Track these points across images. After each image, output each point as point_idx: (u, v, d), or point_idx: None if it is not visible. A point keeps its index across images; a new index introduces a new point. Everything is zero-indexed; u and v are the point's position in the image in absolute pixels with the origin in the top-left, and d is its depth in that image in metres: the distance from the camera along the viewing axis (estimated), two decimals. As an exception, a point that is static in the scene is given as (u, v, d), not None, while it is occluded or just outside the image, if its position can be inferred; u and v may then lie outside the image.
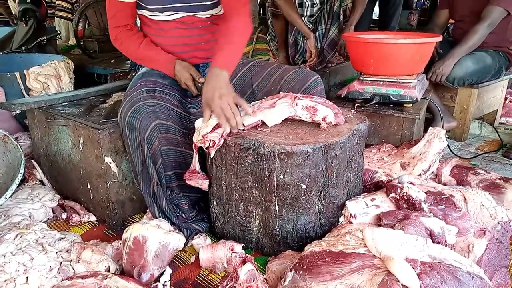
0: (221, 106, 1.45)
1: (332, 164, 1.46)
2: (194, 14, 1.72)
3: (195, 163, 1.56)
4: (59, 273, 1.42)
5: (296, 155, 1.38)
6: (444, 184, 1.83)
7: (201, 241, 1.62)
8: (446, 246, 1.34)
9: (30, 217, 1.80)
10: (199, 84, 1.72)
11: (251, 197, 1.51)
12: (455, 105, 2.73)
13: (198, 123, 1.54)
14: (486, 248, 1.36)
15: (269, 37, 3.36)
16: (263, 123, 1.54)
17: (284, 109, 1.54)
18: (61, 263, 1.47)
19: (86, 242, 1.63)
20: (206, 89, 1.50)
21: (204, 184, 1.58)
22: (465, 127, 2.74)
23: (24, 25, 3.63)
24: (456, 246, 1.40)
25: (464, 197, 1.53)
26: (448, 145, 2.08)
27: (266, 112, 1.53)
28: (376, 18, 4.66)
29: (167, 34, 1.74)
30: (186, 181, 1.59)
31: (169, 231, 1.54)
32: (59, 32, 4.70)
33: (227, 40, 1.60)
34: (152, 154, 1.57)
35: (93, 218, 1.87)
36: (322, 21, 2.98)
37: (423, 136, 1.92)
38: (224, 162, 1.50)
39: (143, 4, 1.69)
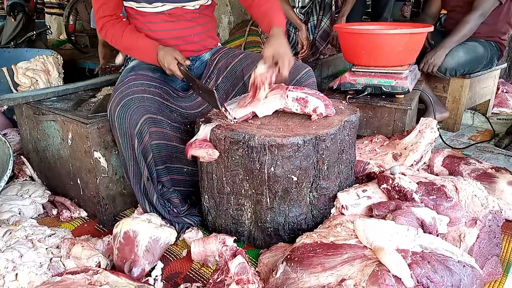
0: (288, 58, 1.49)
1: (323, 156, 1.45)
2: (182, 6, 1.69)
3: (207, 133, 1.49)
4: (49, 269, 1.40)
5: (287, 147, 1.37)
6: (436, 175, 1.83)
7: (193, 235, 1.61)
8: (437, 236, 1.34)
9: (20, 213, 1.78)
10: (185, 69, 1.65)
11: (242, 190, 1.50)
12: (447, 96, 2.73)
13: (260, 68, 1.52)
14: (477, 238, 1.36)
15: (260, 29, 3.33)
16: (254, 115, 1.53)
17: (275, 101, 1.53)
18: (51, 259, 1.45)
19: (77, 237, 1.62)
20: (274, 44, 1.53)
21: (214, 154, 1.48)
22: (458, 118, 2.75)
23: (13, 20, 3.58)
24: (447, 236, 1.40)
25: (456, 187, 1.53)
26: (440, 135, 2.08)
27: (257, 104, 1.52)
28: (369, 10, 4.64)
29: (156, 27, 1.71)
30: (191, 151, 1.49)
31: (160, 226, 1.53)
32: (49, 27, 4.64)
33: (273, 5, 1.69)
34: (142, 148, 1.55)
35: (84, 214, 1.86)
36: (314, 12, 2.96)
37: (415, 127, 1.91)
38: (214, 155, 1.48)
39: None
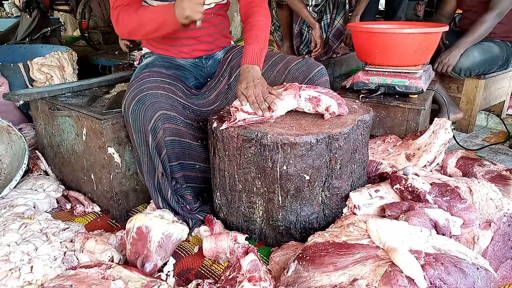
0: (255, 94, 1.45)
1: (336, 155, 1.45)
2: None
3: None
4: (63, 263, 1.42)
5: (300, 145, 1.37)
6: (450, 176, 1.81)
7: (207, 228, 1.61)
8: (451, 237, 1.33)
9: (34, 207, 1.81)
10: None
11: (254, 188, 1.50)
12: (461, 96, 2.70)
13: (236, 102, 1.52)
14: (491, 240, 1.35)
15: (273, 27, 3.33)
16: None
17: (289, 101, 1.52)
18: (65, 253, 1.47)
19: (90, 232, 1.64)
20: (240, 81, 1.51)
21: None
22: (472, 119, 2.71)
23: (28, 16, 3.63)
24: (461, 237, 1.38)
25: (470, 189, 1.51)
26: (454, 136, 2.05)
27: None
28: (382, 9, 4.60)
29: None
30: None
31: (172, 222, 1.54)
32: (63, 23, 4.69)
33: (252, 36, 1.61)
34: (156, 144, 1.56)
35: (97, 209, 1.88)
36: (327, 10, 2.94)
37: (428, 127, 1.89)
38: (227, 153, 1.49)
39: None
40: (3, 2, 7.05)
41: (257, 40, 1.60)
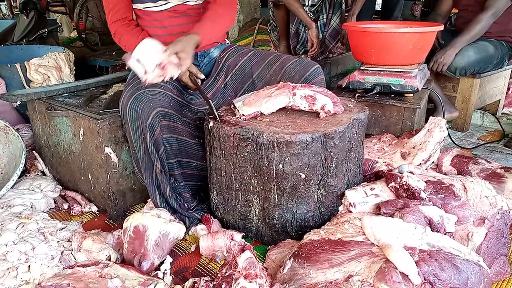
0: (172, 60, 1.45)
1: (332, 153, 1.46)
2: (184, 2, 1.72)
3: None
4: (60, 262, 1.43)
5: (295, 144, 1.38)
6: (445, 174, 1.83)
7: (204, 227, 1.62)
8: (445, 234, 1.34)
9: (31, 207, 1.81)
10: (197, 79, 1.72)
11: (251, 187, 1.51)
12: (456, 95, 2.71)
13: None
14: (485, 237, 1.36)
15: (270, 28, 3.34)
16: (262, 113, 1.54)
17: (281, 98, 1.54)
18: (62, 252, 1.48)
19: (87, 231, 1.64)
20: (175, 41, 1.51)
21: None
22: (467, 117, 2.73)
23: (25, 17, 3.63)
24: (455, 234, 1.40)
25: (464, 186, 1.53)
26: (449, 135, 2.07)
27: (263, 102, 1.53)
28: (379, 9, 4.62)
29: (162, 24, 1.75)
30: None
31: (169, 221, 1.55)
32: (60, 24, 4.69)
33: (207, 17, 1.65)
34: (154, 141, 1.57)
35: (94, 208, 1.88)
36: (323, 10, 2.96)
37: (424, 126, 1.91)
38: (223, 151, 1.50)
39: None
40: (0, 3, 7.04)
41: (209, 19, 1.65)
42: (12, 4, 5.89)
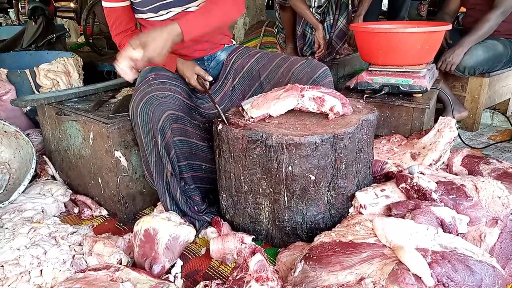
0: (143, 58, 1.40)
1: (341, 155, 1.45)
2: (185, 9, 1.70)
3: None
4: (72, 266, 1.44)
5: (304, 146, 1.38)
6: (455, 174, 1.81)
7: (214, 230, 1.62)
8: (457, 235, 1.32)
9: (42, 211, 1.83)
10: (205, 82, 1.75)
11: (260, 189, 1.51)
12: (466, 95, 2.69)
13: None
14: (498, 237, 1.34)
15: (276, 29, 3.34)
16: (271, 115, 1.54)
17: (289, 100, 1.53)
18: (74, 256, 1.49)
19: (98, 235, 1.65)
20: (150, 31, 1.44)
21: None
22: (477, 117, 2.71)
23: (34, 24, 3.66)
24: (467, 235, 1.38)
25: (476, 186, 1.51)
26: (459, 135, 2.05)
27: (271, 104, 1.53)
28: (385, 9, 4.61)
29: None
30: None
31: (180, 224, 1.55)
32: (68, 29, 4.73)
33: (204, 7, 1.56)
34: (165, 144, 1.58)
35: (104, 212, 1.89)
36: (330, 11, 2.95)
37: (433, 126, 1.89)
38: (232, 154, 1.50)
39: (137, 8, 1.71)
40: (9, 10, 7.13)
41: (203, 8, 1.55)
42: (20, 11, 5.95)
